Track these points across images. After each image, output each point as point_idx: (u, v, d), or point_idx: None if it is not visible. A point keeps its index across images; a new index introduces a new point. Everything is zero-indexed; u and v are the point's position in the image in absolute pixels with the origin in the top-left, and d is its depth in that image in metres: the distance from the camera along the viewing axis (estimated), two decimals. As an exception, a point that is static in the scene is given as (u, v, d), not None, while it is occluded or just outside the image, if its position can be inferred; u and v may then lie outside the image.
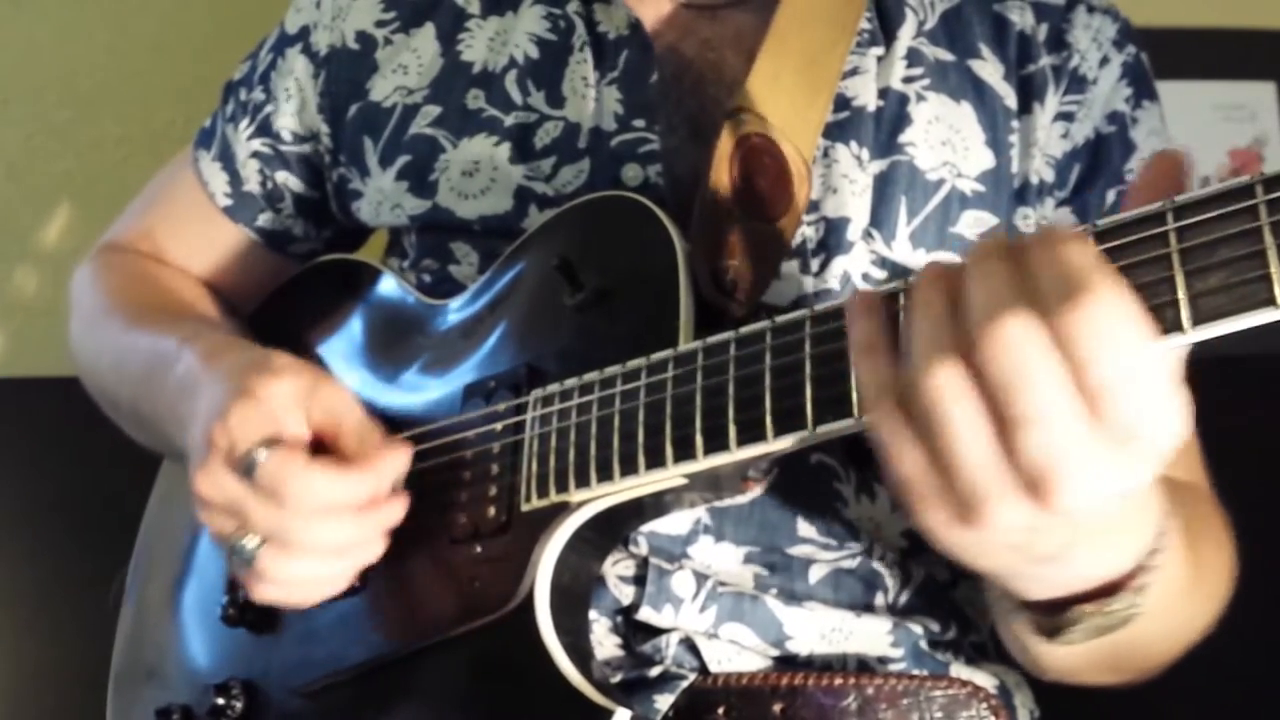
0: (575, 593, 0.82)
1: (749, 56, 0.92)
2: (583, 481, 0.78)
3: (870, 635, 0.88)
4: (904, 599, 0.91)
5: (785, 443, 0.69)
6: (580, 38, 0.99)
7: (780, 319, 0.71)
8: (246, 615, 0.95)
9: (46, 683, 1.62)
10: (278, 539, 0.81)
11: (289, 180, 1.13)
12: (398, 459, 0.85)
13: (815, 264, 0.91)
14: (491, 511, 0.83)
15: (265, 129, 1.11)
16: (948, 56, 0.96)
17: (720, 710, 0.86)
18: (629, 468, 0.75)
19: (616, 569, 0.88)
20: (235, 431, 0.81)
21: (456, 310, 0.96)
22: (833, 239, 0.91)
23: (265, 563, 0.81)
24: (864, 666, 0.88)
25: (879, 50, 0.96)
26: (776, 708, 0.85)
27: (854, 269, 0.91)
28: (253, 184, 1.14)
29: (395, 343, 1.00)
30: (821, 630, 0.88)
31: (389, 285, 1.04)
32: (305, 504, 0.80)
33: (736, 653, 0.87)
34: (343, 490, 0.82)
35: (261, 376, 0.84)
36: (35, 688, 1.62)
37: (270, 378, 0.84)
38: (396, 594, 0.86)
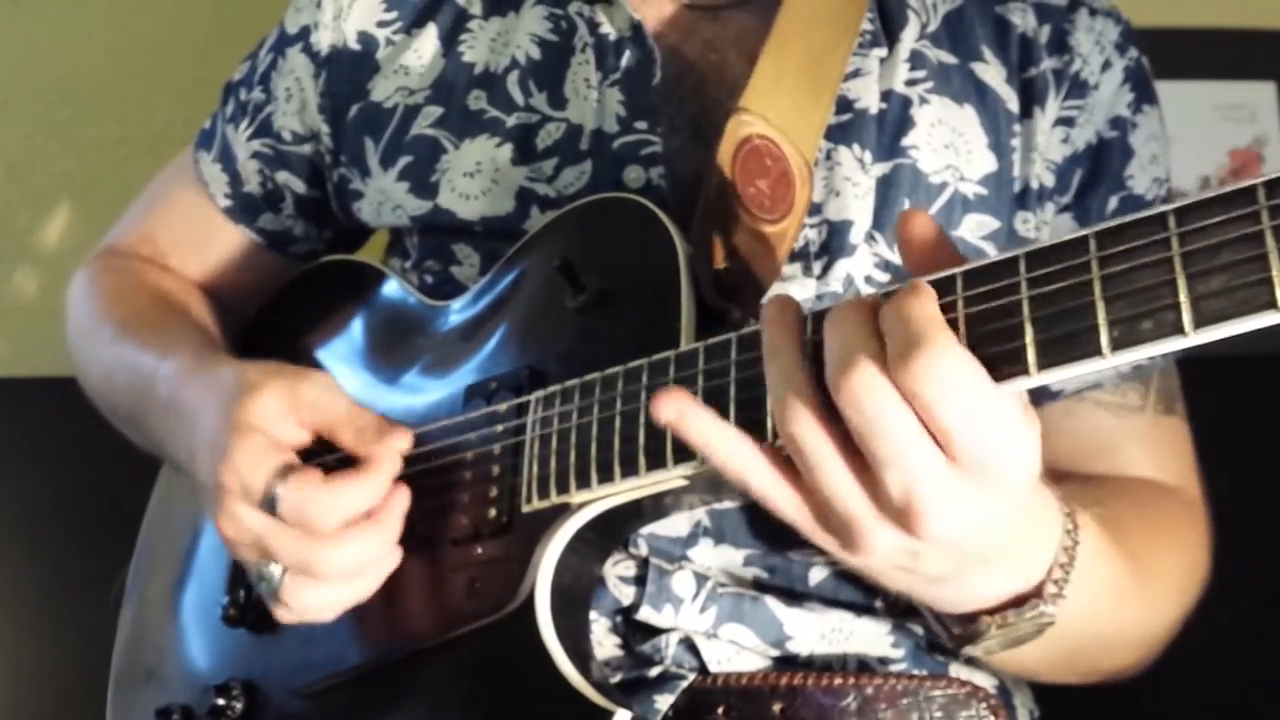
0: (576, 594, 0.82)
1: (751, 58, 0.92)
2: (583, 483, 0.77)
3: (870, 636, 0.88)
4: (904, 600, 0.91)
5: None
6: (582, 39, 0.99)
7: None
8: (247, 616, 0.95)
9: (46, 683, 1.62)
10: (303, 567, 0.81)
11: (290, 181, 1.13)
12: (398, 442, 0.84)
13: (818, 267, 0.91)
14: (492, 512, 0.83)
15: (265, 129, 1.11)
16: (950, 59, 0.96)
17: (720, 710, 0.86)
18: (630, 469, 0.75)
19: (617, 569, 0.88)
20: (244, 471, 0.82)
21: (458, 311, 0.96)
22: (835, 241, 0.91)
23: (290, 591, 0.82)
24: (864, 667, 0.88)
25: (881, 52, 0.96)
26: (776, 708, 0.85)
27: (857, 271, 0.91)
28: (253, 185, 1.14)
29: (396, 344, 1.00)
30: (821, 630, 0.88)
31: (390, 286, 1.04)
32: (331, 523, 0.80)
33: (736, 653, 0.87)
34: (360, 496, 0.82)
35: (244, 402, 0.84)
36: (35, 688, 1.62)
37: (252, 400, 0.84)
38: (397, 595, 0.86)
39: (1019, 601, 0.72)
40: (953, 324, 0.62)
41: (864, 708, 0.85)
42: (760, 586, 0.89)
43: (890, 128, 0.94)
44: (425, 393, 0.94)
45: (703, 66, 0.98)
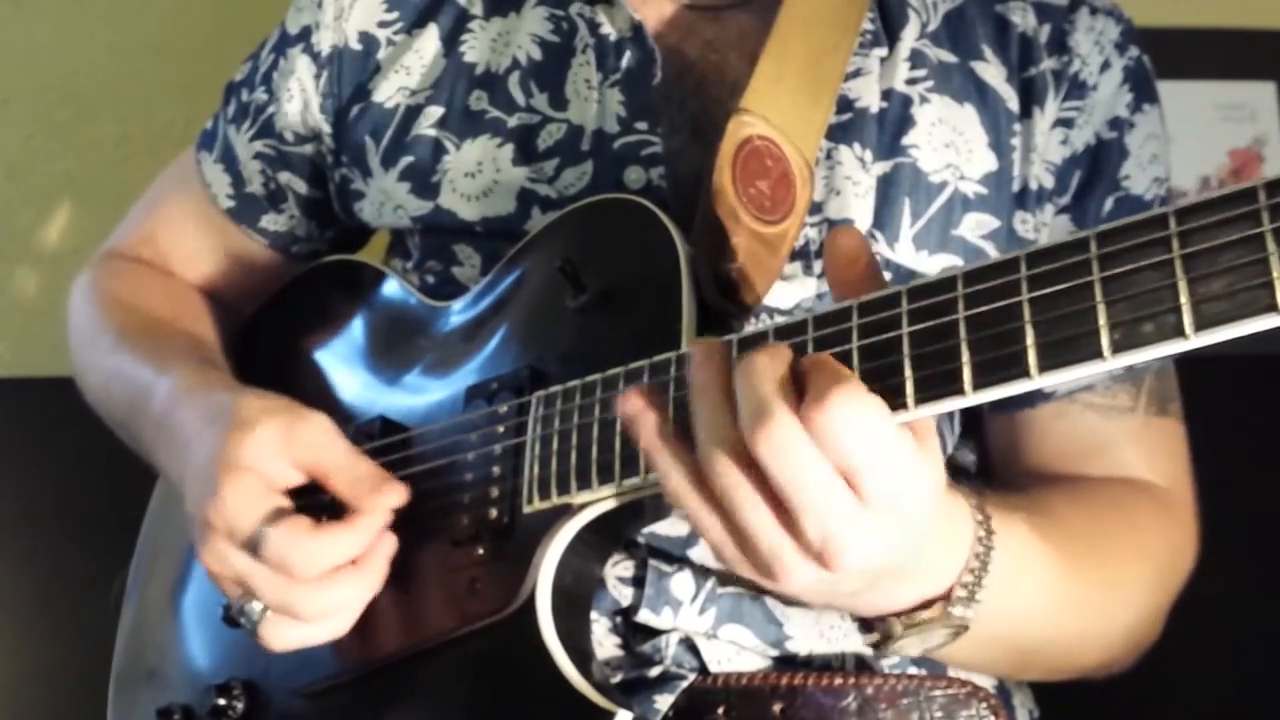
0: (577, 594, 0.82)
1: (751, 58, 0.92)
2: (584, 483, 0.77)
3: (868, 633, 0.88)
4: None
5: None
6: (583, 39, 0.99)
7: (781, 322, 0.71)
8: (247, 615, 0.95)
9: (46, 683, 1.62)
10: (284, 609, 0.82)
11: (292, 181, 1.13)
12: (394, 493, 0.85)
13: (818, 266, 0.90)
14: (493, 513, 0.83)
15: (268, 130, 1.11)
16: (950, 58, 0.96)
17: (720, 710, 0.86)
18: (630, 470, 0.75)
19: (616, 570, 0.88)
20: (232, 512, 0.82)
21: (459, 312, 0.96)
22: (834, 241, 0.91)
23: (269, 629, 0.83)
24: (862, 664, 0.88)
25: (882, 51, 0.96)
26: (776, 708, 0.85)
27: (857, 270, 0.91)
28: (255, 185, 1.14)
29: (397, 344, 1.00)
30: (820, 629, 0.88)
31: (391, 286, 1.04)
32: (313, 571, 0.81)
33: (736, 653, 0.87)
34: (346, 547, 0.82)
35: (238, 438, 0.84)
36: (35, 688, 1.62)
37: (247, 437, 0.84)
38: (398, 595, 0.86)
39: (929, 604, 0.75)
40: (952, 326, 0.63)
41: (864, 708, 0.85)
42: (758, 586, 0.89)
43: (891, 127, 0.94)
44: (426, 393, 0.94)
45: (703, 67, 0.98)
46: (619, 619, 0.88)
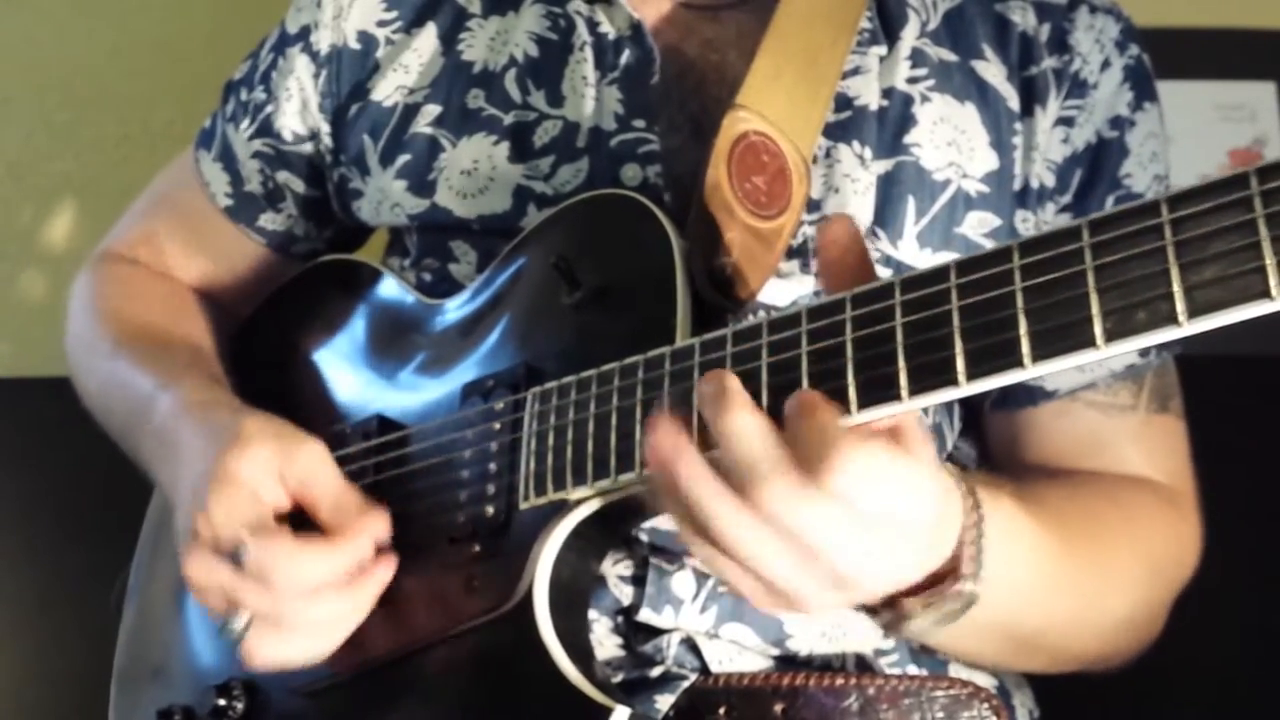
0: (575, 591, 0.81)
1: (751, 57, 0.92)
2: (580, 479, 0.77)
3: (867, 631, 0.88)
4: None
5: None
6: (581, 37, 0.99)
7: (775, 315, 0.71)
8: (247, 615, 0.95)
9: (46, 683, 1.62)
10: (271, 620, 0.82)
11: (290, 180, 1.13)
12: (375, 526, 0.85)
13: (816, 264, 0.90)
14: (490, 510, 0.83)
15: (266, 129, 1.11)
16: (951, 57, 0.96)
17: (721, 710, 0.86)
18: (626, 465, 0.75)
19: (616, 569, 0.88)
20: (217, 520, 0.83)
21: (455, 309, 0.96)
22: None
23: (255, 642, 0.83)
24: (863, 665, 0.88)
25: (881, 50, 0.96)
26: (778, 708, 0.85)
27: (857, 267, 0.91)
28: (254, 184, 1.14)
29: (394, 342, 1.00)
30: (821, 628, 0.88)
31: (388, 285, 1.04)
32: (294, 586, 0.81)
33: (738, 653, 0.87)
34: (328, 567, 0.82)
35: (234, 454, 0.84)
36: (35, 688, 1.62)
37: (242, 453, 0.84)
38: (397, 594, 0.86)
39: (939, 579, 0.75)
40: (945, 316, 0.63)
41: (866, 708, 0.85)
42: None
43: (892, 125, 0.94)
44: (423, 391, 0.94)
45: (702, 66, 0.98)
46: (620, 618, 0.88)
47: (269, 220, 1.15)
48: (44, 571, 1.62)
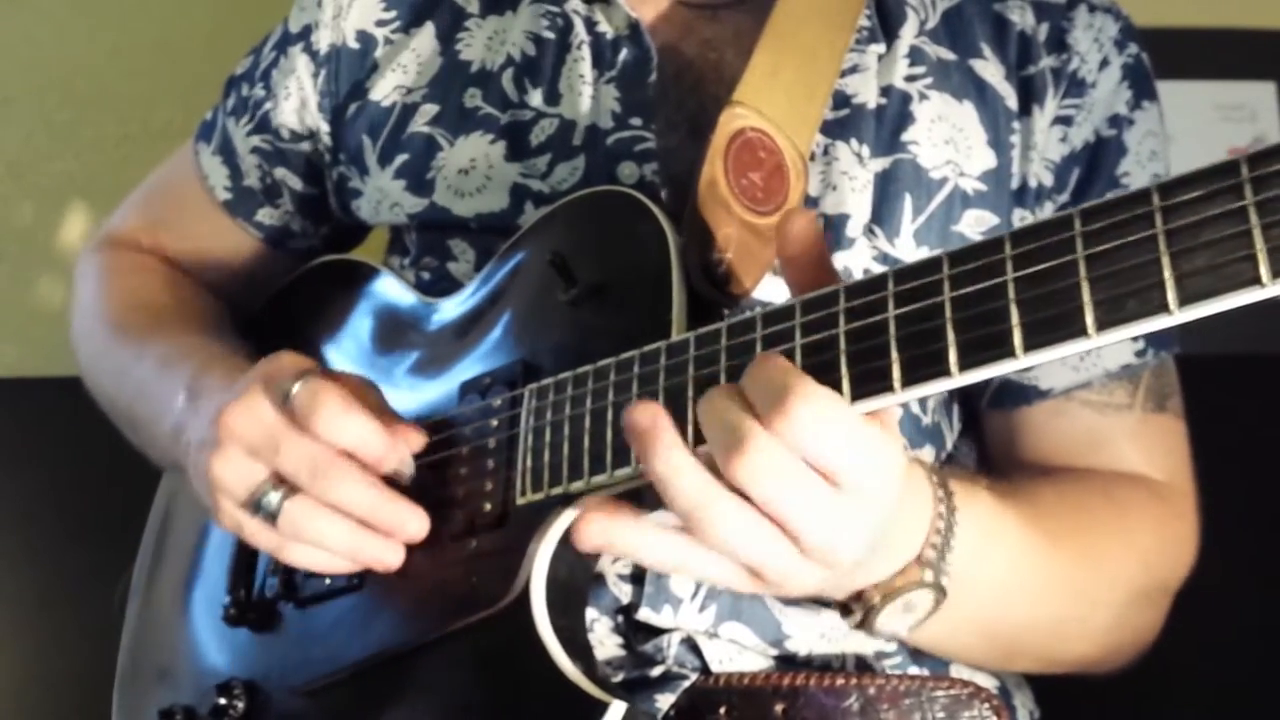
0: (572, 587, 0.81)
1: (749, 56, 0.92)
2: (576, 475, 0.77)
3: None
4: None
5: None
6: (578, 36, 0.99)
7: (769, 308, 0.71)
8: (248, 615, 0.95)
9: (46, 683, 1.62)
10: (306, 478, 0.80)
11: (287, 177, 1.13)
12: (416, 436, 0.85)
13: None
14: (487, 507, 0.83)
15: (265, 126, 1.12)
16: (949, 56, 0.96)
17: (721, 710, 0.86)
18: (622, 460, 0.75)
19: (615, 566, 0.88)
20: (272, 373, 0.82)
21: (453, 308, 0.96)
22: (832, 236, 0.91)
23: (292, 515, 0.81)
24: (863, 665, 0.88)
25: (879, 48, 0.96)
26: (778, 708, 0.85)
27: (855, 265, 0.91)
28: (252, 179, 1.14)
29: (393, 341, 1.00)
30: (821, 629, 0.88)
31: (387, 284, 1.04)
32: (335, 437, 0.80)
33: (738, 652, 0.87)
34: (372, 437, 0.81)
35: (275, 357, 0.85)
36: (34, 688, 1.62)
37: (282, 356, 0.85)
38: (394, 591, 0.86)
39: (901, 572, 0.76)
40: (938, 307, 0.63)
41: (866, 708, 0.85)
42: None
43: (890, 123, 0.94)
44: (422, 389, 0.94)
45: (701, 65, 0.98)
46: (620, 618, 0.88)
47: (266, 215, 1.15)
48: (44, 571, 1.62)
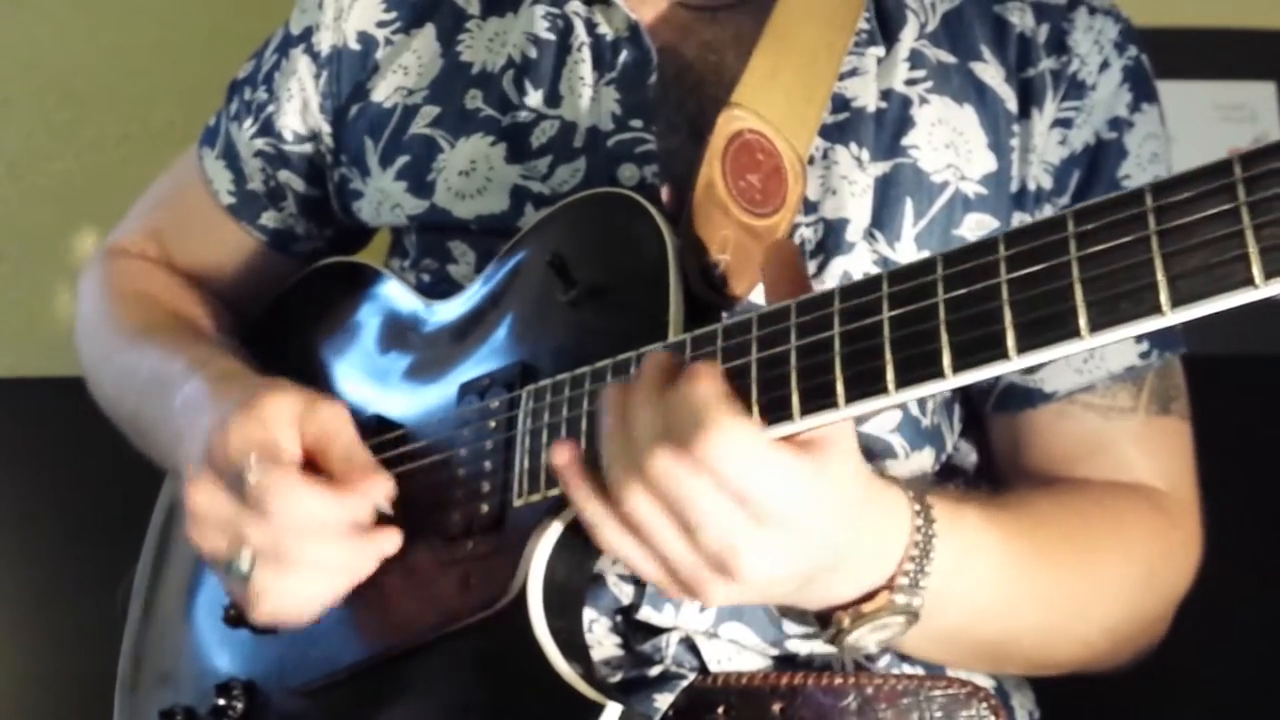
0: (569, 588, 0.81)
1: (748, 58, 0.92)
2: None
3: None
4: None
5: (774, 433, 0.69)
6: (579, 38, 0.99)
7: (764, 310, 0.71)
8: (248, 616, 0.95)
9: (46, 684, 1.62)
10: (271, 554, 0.82)
11: (291, 180, 1.13)
12: (381, 484, 0.85)
13: (813, 265, 0.91)
14: (484, 508, 0.83)
15: (268, 128, 1.12)
16: (949, 59, 0.96)
17: (720, 710, 0.86)
18: None
19: (616, 567, 0.88)
20: (232, 443, 0.83)
21: (453, 309, 0.96)
22: (831, 240, 0.91)
23: (259, 580, 0.82)
24: (861, 665, 0.88)
25: (879, 51, 0.96)
26: (776, 707, 0.85)
27: (855, 269, 0.91)
28: (256, 182, 1.14)
29: (393, 343, 1.00)
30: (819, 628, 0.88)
31: (387, 286, 1.04)
32: (291, 519, 0.81)
33: (737, 652, 0.87)
34: (328, 509, 0.82)
35: (262, 395, 0.85)
36: (34, 688, 1.62)
37: (270, 394, 0.85)
38: (393, 592, 0.86)
39: (873, 595, 0.77)
40: (932, 309, 0.63)
41: (864, 707, 0.85)
42: None
43: (890, 127, 0.94)
44: (422, 391, 0.94)
45: (700, 67, 0.98)
46: (619, 618, 0.88)
47: (270, 218, 1.15)
48: (44, 571, 1.62)
